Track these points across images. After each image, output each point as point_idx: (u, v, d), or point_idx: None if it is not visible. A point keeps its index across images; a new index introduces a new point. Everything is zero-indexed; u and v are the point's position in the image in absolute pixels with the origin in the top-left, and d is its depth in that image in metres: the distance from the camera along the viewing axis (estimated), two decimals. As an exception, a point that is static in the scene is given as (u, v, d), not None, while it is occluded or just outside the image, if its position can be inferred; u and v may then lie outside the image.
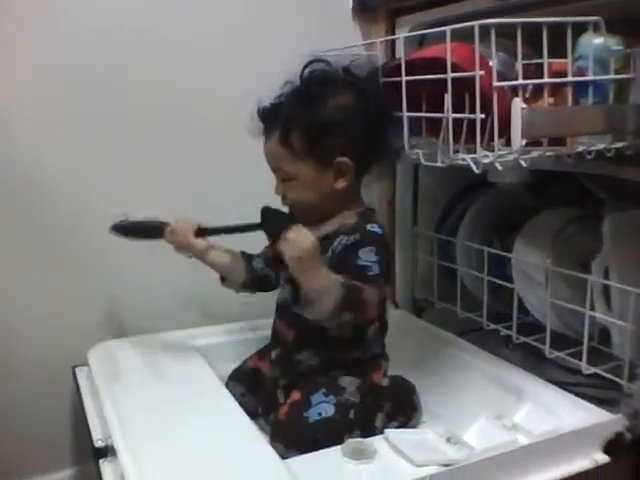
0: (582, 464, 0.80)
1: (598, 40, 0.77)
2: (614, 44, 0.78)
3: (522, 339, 1.05)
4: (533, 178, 1.10)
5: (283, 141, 0.85)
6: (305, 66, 0.92)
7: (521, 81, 0.75)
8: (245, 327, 1.15)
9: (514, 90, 0.77)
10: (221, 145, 1.15)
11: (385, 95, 0.89)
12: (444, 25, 0.78)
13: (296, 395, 0.88)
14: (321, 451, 0.78)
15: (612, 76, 0.78)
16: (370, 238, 0.86)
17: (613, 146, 0.80)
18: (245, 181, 1.13)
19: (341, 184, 0.88)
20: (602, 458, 0.81)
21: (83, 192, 1.11)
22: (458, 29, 0.75)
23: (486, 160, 0.75)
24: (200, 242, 0.93)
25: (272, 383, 0.95)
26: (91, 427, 0.90)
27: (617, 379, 0.89)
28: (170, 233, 0.93)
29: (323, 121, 0.85)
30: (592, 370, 0.93)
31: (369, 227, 0.87)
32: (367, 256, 0.85)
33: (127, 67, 1.10)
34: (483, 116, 0.73)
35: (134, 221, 0.96)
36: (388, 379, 0.94)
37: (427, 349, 1.11)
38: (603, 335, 0.97)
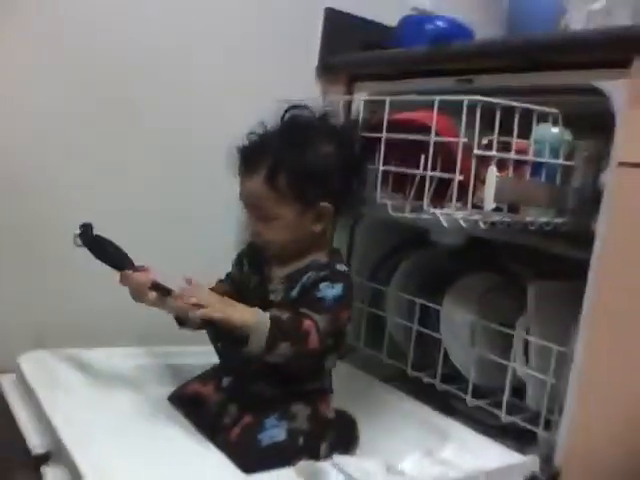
0: (504, 500, 0.89)
1: (555, 130, 0.90)
2: (566, 135, 0.92)
3: (444, 387, 1.14)
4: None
5: (269, 182, 0.89)
6: (286, 110, 0.98)
7: (498, 154, 0.87)
8: (181, 352, 1.15)
9: (482, 160, 0.88)
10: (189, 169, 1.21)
11: (361, 147, 0.97)
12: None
13: (248, 418, 0.90)
14: (276, 471, 0.81)
15: (561, 161, 0.92)
16: (337, 275, 0.92)
17: (554, 220, 0.93)
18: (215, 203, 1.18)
19: (319, 227, 0.93)
20: (521, 496, 0.90)
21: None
22: (445, 100, 0.86)
23: (458, 215, 0.85)
24: (153, 295, 0.92)
25: (218, 408, 0.95)
26: (25, 435, 0.87)
27: (533, 427, 1.00)
28: (124, 278, 0.94)
29: (311, 167, 0.90)
30: (510, 419, 1.03)
31: (338, 267, 0.94)
32: (326, 291, 0.90)
33: (99, 81, 1.13)
34: (462, 177, 0.83)
35: (104, 239, 0.95)
36: (334, 411, 0.99)
37: (353, 391, 1.16)
38: (515, 389, 1.08)
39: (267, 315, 0.86)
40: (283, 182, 0.89)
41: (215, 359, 1.01)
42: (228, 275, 1.04)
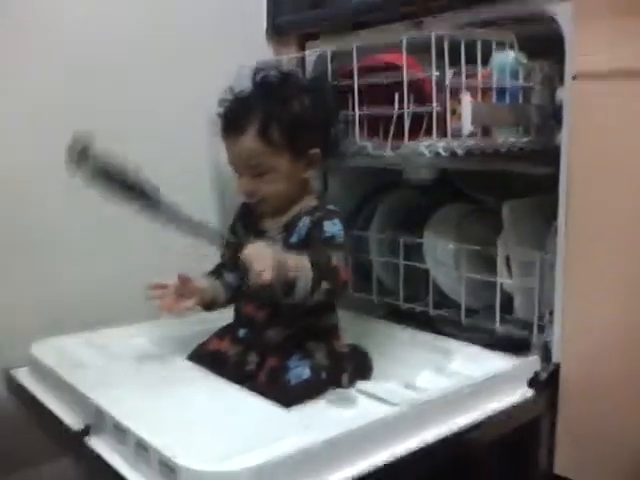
0: (514, 398, 0.97)
1: (512, 55, 0.98)
2: (522, 58, 0.99)
3: (437, 312, 1.22)
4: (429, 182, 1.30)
5: (263, 137, 0.95)
6: (256, 71, 1.02)
7: (469, 81, 0.94)
8: (193, 321, 1.18)
9: (451, 92, 0.94)
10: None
11: (334, 95, 1.03)
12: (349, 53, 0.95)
13: (272, 361, 0.96)
14: (308, 404, 0.87)
15: (522, 83, 0.99)
16: (331, 214, 0.99)
17: (522, 140, 1.00)
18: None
19: (309, 174, 1.00)
20: (528, 392, 0.98)
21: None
22: (412, 38, 0.92)
23: (440, 144, 0.91)
24: (188, 302, 0.97)
25: (239, 358, 1.01)
26: (60, 416, 0.90)
27: (527, 333, 1.09)
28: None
29: (298, 117, 0.97)
30: (504, 329, 1.12)
31: (328, 206, 1.01)
32: (330, 228, 0.97)
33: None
34: (439, 108, 0.89)
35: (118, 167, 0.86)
36: (346, 346, 1.06)
37: (354, 330, 1.21)
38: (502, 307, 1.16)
39: (305, 259, 0.90)
40: (276, 135, 0.95)
41: (224, 320, 1.07)
42: (226, 246, 1.07)
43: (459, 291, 1.18)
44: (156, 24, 1.25)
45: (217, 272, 1.07)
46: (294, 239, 0.99)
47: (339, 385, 0.96)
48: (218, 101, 1.01)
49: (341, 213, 1.01)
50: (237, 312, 1.05)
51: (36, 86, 1.11)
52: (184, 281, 0.97)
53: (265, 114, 0.95)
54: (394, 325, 1.23)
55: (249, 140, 0.95)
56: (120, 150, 0.86)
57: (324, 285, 0.91)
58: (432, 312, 1.22)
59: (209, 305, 1.03)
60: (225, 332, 1.05)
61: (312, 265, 0.90)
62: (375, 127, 1.04)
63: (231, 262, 1.04)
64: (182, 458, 0.67)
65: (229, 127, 0.98)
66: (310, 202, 1.02)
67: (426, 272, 1.24)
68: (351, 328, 1.21)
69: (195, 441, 0.72)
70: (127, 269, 1.19)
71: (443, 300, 1.25)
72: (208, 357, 1.02)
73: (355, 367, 1.02)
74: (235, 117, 0.97)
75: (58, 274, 1.16)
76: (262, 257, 0.85)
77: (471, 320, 1.17)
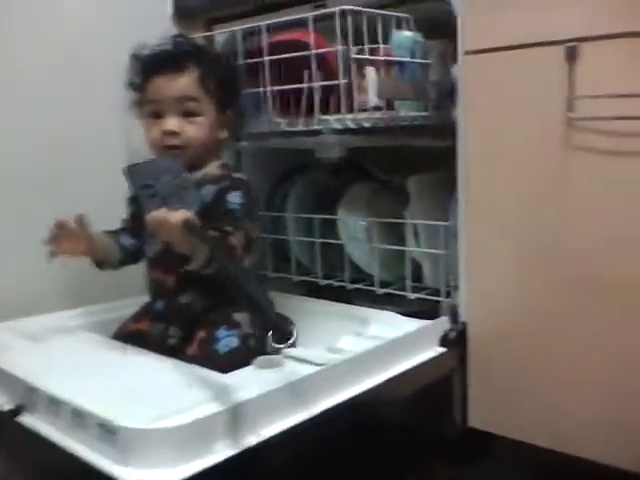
0: (428, 354, 1.04)
1: (410, 34, 1.05)
2: (419, 37, 1.06)
3: (354, 286, 1.28)
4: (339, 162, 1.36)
5: (202, 82, 1.00)
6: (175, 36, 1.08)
7: (372, 57, 1.01)
8: (117, 306, 1.19)
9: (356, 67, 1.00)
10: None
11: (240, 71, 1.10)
12: (257, 33, 1.02)
13: (201, 334, 0.99)
14: (238, 370, 0.90)
15: (420, 60, 1.07)
16: (237, 184, 1.02)
17: (422, 114, 1.07)
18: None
19: (223, 134, 1.04)
20: (440, 350, 1.06)
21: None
22: (318, 15, 0.97)
23: (348, 117, 0.97)
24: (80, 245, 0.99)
25: (160, 334, 1.03)
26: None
27: (436, 298, 1.16)
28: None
29: (227, 74, 1.03)
30: (416, 296, 1.19)
31: (235, 175, 1.04)
32: (234, 199, 1.00)
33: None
34: (346, 81, 0.95)
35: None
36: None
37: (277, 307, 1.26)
38: (412, 275, 1.24)
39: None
40: (212, 83, 1.01)
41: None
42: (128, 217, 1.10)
43: (373, 264, 1.25)
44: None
45: (114, 233, 1.09)
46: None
47: (266, 352, 1.00)
48: (135, 46, 1.04)
49: (248, 182, 1.04)
50: (149, 283, 1.07)
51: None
52: (79, 221, 0.97)
53: (203, 63, 1.01)
54: (313, 299, 1.28)
55: (187, 81, 1.00)
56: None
57: (217, 261, 0.92)
58: (349, 286, 1.28)
59: (100, 258, 1.03)
60: (143, 312, 1.07)
61: (206, 243, 0.91)
62: (287, 105, 1.08)
63: (132, 230, 1.08)
64: (120, 419, 0.69)
65: (164, 65, 1.01)
66: (214, 169, 1.05)
67: (342, 248, 1.30)
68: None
69: (131, 405, 0.74)
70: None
71: (359, 275, 1.31)
72: (130, 337, 1.02)
73: (279, 332, 1.05)
74: (173, 57, 1.01)
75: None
76: (167, 221, 0.86)
77: (386, 291, 1.23)
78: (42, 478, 0.89)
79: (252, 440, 0.73)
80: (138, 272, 1.13)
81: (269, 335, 1.00)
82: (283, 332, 1.06)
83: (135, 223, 1.07)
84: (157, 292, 1.06)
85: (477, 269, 1.06)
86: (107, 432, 0.69)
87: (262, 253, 1.40)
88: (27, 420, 0.80)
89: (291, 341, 0.82)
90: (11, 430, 0.82)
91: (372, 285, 1.24)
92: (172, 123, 1.00)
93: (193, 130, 1.01)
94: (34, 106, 1.19)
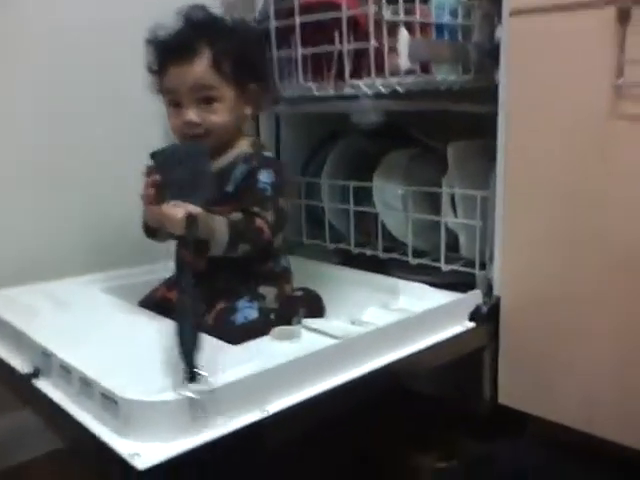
0: (456, 329, 1.00)
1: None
2: (461, -3, 1.00)
3: (386, 255, 1.24)
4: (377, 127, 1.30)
5: (215, 65, 0.95)
6: (189, 10, 1.01)
7: (407, 17, 0.95)
8: (144, 271, 1.19)
9: (390, 29, 0.94)
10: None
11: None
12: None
13: (221, 304, 0.97)
14: (254, 340, 0.89)
15: (460, 21, 1.00)
16: (267, 162, 1.00)
17: (461, 78, 1.01)
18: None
19: (249, 110, 1.00)
20: (470, 324, 1.02)
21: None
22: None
23: (378, 82, 0.92)
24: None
25: None
26: (9, 361, 0.91)
27: (470, 269, 1.12)
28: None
29: (244, 51, 0.98)
30: (450, 267, 1.15)
31: (265, 153, 1.02)
32: (264, 178, 0.98)
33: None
34: (377, 44, 0.90)
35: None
36: (299, 290, 1.08)
37: (307, 276, 1.23)
38: (449, 248, 1.19)
39: (224, 220, 0.92)
40: (227, 66, 0.96)
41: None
42: None
43: (407, 233, 1.20)
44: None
45: None
46: (230, 188, 0.99)
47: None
48: (150, 30, 1.00)
49: (278, 161, 1.03)
50: (176, 260, 1.06)
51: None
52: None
53: (216, 44, 0.96)
54: (346, 269, 1.26)
55: (200, 67, 0.95)
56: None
57: (242, 247, 0.93)
58: (382, 255, 1.24)
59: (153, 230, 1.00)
60: (173, 283, 1.06)
61: (231, 227, 0.91)
62: (319, 69, 1.04)
63: None
64: (122, 390, 0.69)
65: (176, 53, 0.96)
66: (245, 148, 1.02)
67: (376, 217, 1.26)
68: (303, 273, 1.23)
69: (139, 376, 0.74)
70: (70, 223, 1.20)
71: (393, 244, 1.27)
72: (157, 305, 1.02)
73: (307, 310, 1.03)
74: (184, 43, 0.97)
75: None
76: (173, 216, 0.86)
77: (419, 261, 1.19)
78: (55, 442, 0.90)
79: (255, 415, 0.72)
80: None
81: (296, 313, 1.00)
82: (312, 309, 1.05)
83: None
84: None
85: (513, 242, 1.01)
86: (110, 402, 0.69)
87: (297, 219, 1.38)
88: (42, 384, 0.82)
89: (201, 382, 0.70)
90: (30, 392, 0.83)
91: (406, 255, 1.20)
92: (191, 114, 0.97)
93: (214, 117, 0.97)
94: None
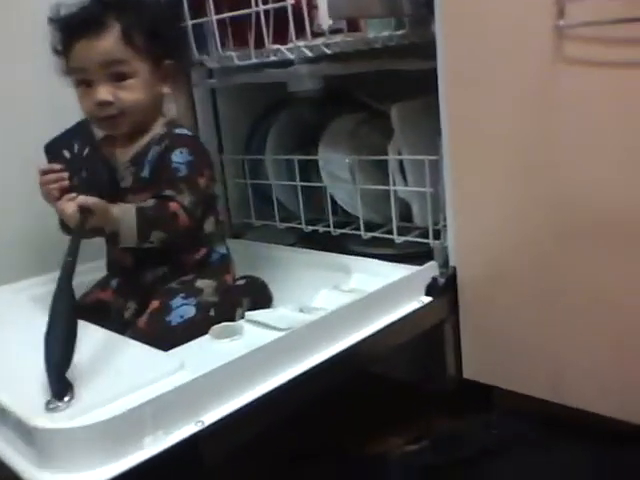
0: (412, 305, 0.94)
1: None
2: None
3: (339, 231, 1.17)
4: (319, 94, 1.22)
5: (126, 39, 0.88)
6: None
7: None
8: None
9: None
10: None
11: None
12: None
13: (155, 304, 0.90)
14: (191, 341, 0.82)
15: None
16: (179, 140, 0.92)
17: (396, 33, 0.93)
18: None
19: (166, 89, 0.92)
20: (426, 299, 0.96)
21: None
22: None
23: (301, 44, 0.84)
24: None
25: (120, 308, 0.96)
26: None
27: (425, 240, 1.05)
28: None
29: (156, 23, 0.90)
30: (403, 239, 1.08)
31: (177, 131, 0.94)
32: (177, 158, 0.90)
33: None
34: (293, 2, 0.81)
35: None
36: (242, 279, 1.01)
37: (256, 260, 1.17)
38: (402, 216, 1.13)
39: (132, 208, 0.85)
40: (139, 39, 0.89)
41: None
42: None
43: (358, 206, 1.13)
44: None
45: None
46: (145, 173, 0.92)
47: (232, 321, 0.91)
48: (51, 7, 0.91)
49: (194, 137, 0.96)
50: (107, 259, 0.99)
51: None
52: None
53: (125, 16, 0.88)
54: (297, 250, 1.19)
55: (109, 41, 0.88)
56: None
57: (156, 235, 0.86)
58: (334, 232, 1.17)
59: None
60: (106, 283, 0.99)
61: (139, 215, 0.84)
62: (240, 36, 0.95)
63: None
64: (37, 418, 0.62)
65: (83, 28, 0.88)
66: (158, 129, 0.95)
67: (326, 190, 1.19)
68: (251, 258, 1.16)
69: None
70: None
71: (347, 218, 1.21)
72: (89, 308, 0.94)
73: (252, 300, 0.97)
74: (90, 17, 0.89)
75: None
76: (65, 211, 0.80)
77: (372, 234, 1.12)
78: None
79: (189, 430, 0.65)
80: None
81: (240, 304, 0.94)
82: (258, 299, 0.99)
83: None
84: (116, 271, 0.98)
85: (465, 207, 0.94)
86: (25, 431, 0.62)
87: (245, 200, 1.30)
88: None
89: (68, 399, 0.63)
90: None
91: (359, 229, 1.13)
92: (103, 92, 0.89)
93: (127, 95, 0.90)
94: None
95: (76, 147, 0.83)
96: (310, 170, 1.23)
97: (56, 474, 0.60)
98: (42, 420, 0.61)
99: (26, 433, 0.62)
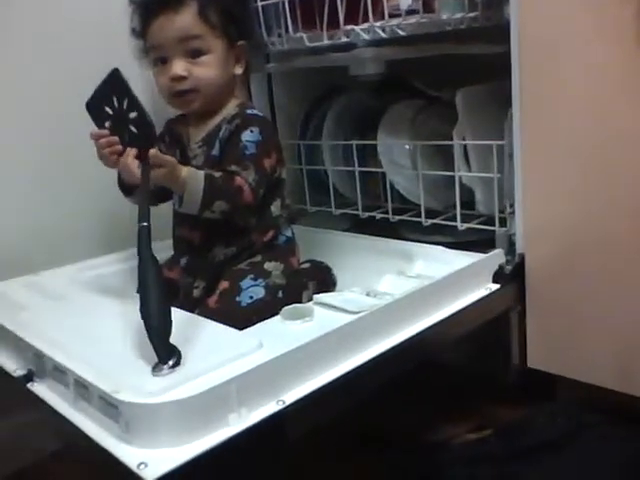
0: (480, 293, 0.93)
1: None
2: None
3: (397, 218, 1.16)
4: (378, 78, 1.21)
5: (202, 15, 0.89)
6: None
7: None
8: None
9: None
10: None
11: None
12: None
13: (224, 284, 0.90)
14: (263, 322, 0.81)
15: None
16: (251, 121, 0.92)
17: (468, 15, 0.91)
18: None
19: (239, 70, 0.93)
20: (494, 286, 0.94)
21: None
22: None
23: (377, 24, 0.83)
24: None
25: (188, 287, 0.96)
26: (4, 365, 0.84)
27: (489, 227, 1.04)
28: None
29: (233, 2, 0.92)
30: (466, 226, 1.07)
31: (249, 112, 0.94)
32: (247, 137, 0.91)
33: None
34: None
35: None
36: (306, 263, 1.01)
37: (314, 246, 1.16)
38: (464, 204, 1.11)
39: (201, 173, 0.85)
40: (214, 17, 0.90)
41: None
42: None
43: (419, 192, 1.12)
44: None
45: None
46: (216, 151, 0.93)
47: (299, 303, 0.91)
48: None
49: (264, 118, 0.95)
50: (174, 237, 0.99)
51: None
52: None
53: None
54: (355, 235, 1.17)
55: (187, 17, 0.89)
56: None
57: (219, 205, 0.86)
58: (392, 218, 1.16)
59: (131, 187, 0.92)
60: (174, 262, 0.99)
61: (207, 180, 0.84)
62: (310, 17, 0.94)
63: None
64: (123, 393, 0.62)
65: (161, 5, 0.89)
66: (231, 110, 0.95)
67: (384, 177, 1.17)
68: (309, 243, 1.15)
69: (140, 374, 0.66)
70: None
71: (405, 205, 1.19)
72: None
73: (318, 284, 0.97)
74: None
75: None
76: (132, 164, 0.81)
77: (433, 221, 1.11)
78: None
79: (271, 408, 0.65)
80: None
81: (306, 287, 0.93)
82: (322, 282, 0.98)
83: None
84: (182, 250, 0.98)
85: (535, 193, 0.93)
86: (109, 406, 0.62)
87: (299, 186, 1.29)
88: (37, 388, 0.75)
89: (174, 362, 0.64)
90: (26, 396, 0.76)
91: (418, 216, 1.12)
92: (178, 67, 0.90)
93: (202, 71, 0.91)
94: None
95: (115, 101, 0.80)
96: (367, 157, 1.22)
97: (141, 449, 0.60)
98: (128, 395, 0.61)
99: (113, 409, 0.62)
